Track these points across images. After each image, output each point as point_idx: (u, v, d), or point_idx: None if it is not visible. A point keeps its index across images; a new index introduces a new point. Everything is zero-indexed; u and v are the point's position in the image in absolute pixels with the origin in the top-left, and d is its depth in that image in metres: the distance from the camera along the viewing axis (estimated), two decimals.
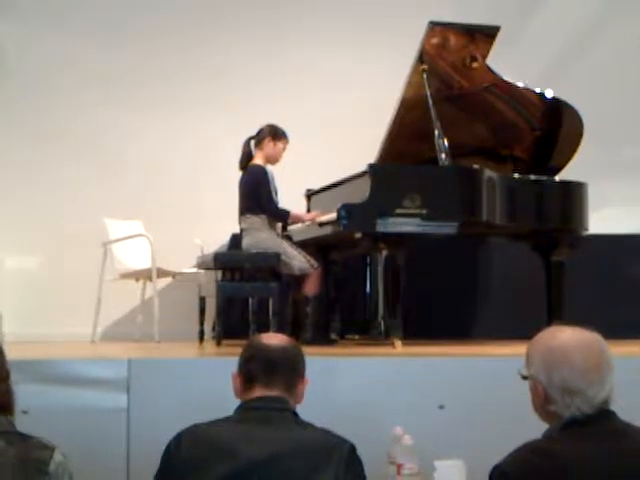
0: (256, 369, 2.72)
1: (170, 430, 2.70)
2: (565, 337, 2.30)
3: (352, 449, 2.60)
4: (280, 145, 6.24)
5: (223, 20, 8.08)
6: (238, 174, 6.29)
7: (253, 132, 6.29)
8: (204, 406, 3.75)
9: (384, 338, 6.21)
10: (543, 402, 2.30)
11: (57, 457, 2.35)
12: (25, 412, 3.54)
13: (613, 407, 2.31)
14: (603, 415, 2.27)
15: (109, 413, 4.23)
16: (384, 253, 5.82)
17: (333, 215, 5.77)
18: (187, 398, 4.24)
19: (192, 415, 2.89)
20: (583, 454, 2.20)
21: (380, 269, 6.01)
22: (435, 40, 6.24)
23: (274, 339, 2.83)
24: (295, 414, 2.70)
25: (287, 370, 2.73)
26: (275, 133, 6.22)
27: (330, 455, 2.54)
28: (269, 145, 6.22)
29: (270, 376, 2.70)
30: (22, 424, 2.46)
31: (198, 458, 2.55)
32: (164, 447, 2.64)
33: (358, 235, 5.75)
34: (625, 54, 8.37)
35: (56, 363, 4.41)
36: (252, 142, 6.29)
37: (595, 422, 2.25)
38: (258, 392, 2.69)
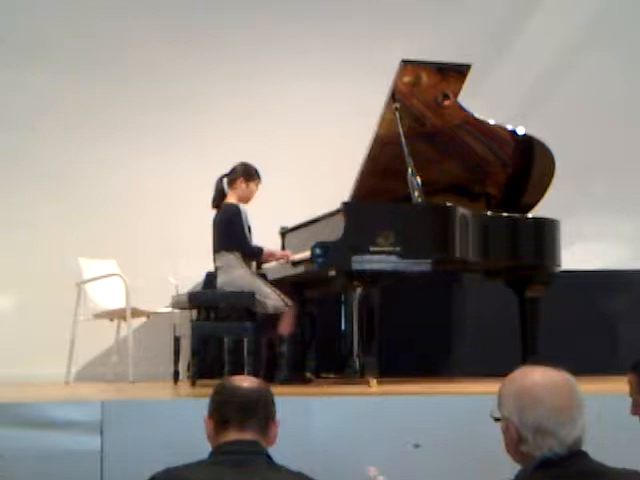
0: (230, 412, 2.67)
1: (144, 472, 2.67)
2: (536, 377, 2.30)
3: None
4: (252, 186, 6.23)
5: (195, 59, 8.11)
6: (212, 212, 6.29)
7: (226, 170, 6.30)
8: (178, 448, 3.73)
9: (359, 376, 6.21)
10: (516, 443, 2.29)
11: None
12: (0, 456, 3.52)
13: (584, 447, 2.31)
14: (575, 455, 2.26)
15: (83, 456, 4.21)
16: (358, 291, 5.83)
17: (307, 253, 5.77)
18: (161, 440, 4.22)
19: (166, 457, 2.86)
20: None
21: (355, 307, 6.01)
22: (407, 78, 6.28)
23: (246, 382, 2.78)
24: (269, 457, 2.67)
25: (262, 413, 2.69)
26: (247, 174, 6.21)
27: None
28: (241, 186, 6.21)
29: (245, 419, 2.66)
30: None
31: None
32: None
33: (332, 273, 5.75)
34: (596, 90, 8.44)
35: (30, 406, 4.39)
36: (225, 180, 6.28)
37: (567, 463, 2.24)
38: (232, 436, 2.65)
